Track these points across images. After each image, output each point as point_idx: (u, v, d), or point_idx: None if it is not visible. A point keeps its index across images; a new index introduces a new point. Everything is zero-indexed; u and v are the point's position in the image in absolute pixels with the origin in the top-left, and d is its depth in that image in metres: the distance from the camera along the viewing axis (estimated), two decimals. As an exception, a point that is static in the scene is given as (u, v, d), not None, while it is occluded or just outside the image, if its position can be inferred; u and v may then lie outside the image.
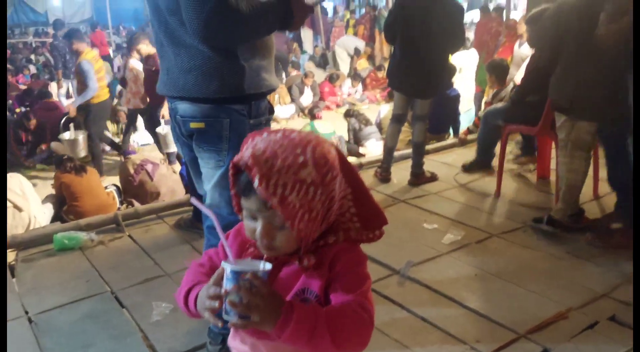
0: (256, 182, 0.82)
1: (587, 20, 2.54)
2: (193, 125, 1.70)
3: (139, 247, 2.91)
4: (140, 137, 7.17)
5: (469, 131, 4.65)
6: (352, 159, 4.66)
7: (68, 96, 8.66)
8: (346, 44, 11.59)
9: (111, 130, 7.26)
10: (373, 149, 5.90)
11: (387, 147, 3.85)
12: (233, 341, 1.01)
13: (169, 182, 4.94)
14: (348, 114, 6.65)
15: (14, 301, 2.37)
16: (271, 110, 1.85)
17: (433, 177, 3.80)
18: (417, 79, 3.50)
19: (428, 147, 4.60)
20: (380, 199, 3.47)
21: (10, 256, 2.84)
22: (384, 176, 3.82)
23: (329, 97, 9.13)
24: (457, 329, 2.06)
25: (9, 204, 4.07)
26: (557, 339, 1.99)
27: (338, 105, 9.07)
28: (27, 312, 2.28)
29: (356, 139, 6.32)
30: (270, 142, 0.86)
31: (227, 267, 0.83)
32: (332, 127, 6.21)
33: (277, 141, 0.86)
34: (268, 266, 0.85)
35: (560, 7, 2.71)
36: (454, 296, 2.29)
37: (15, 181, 4.36)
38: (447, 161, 4.21)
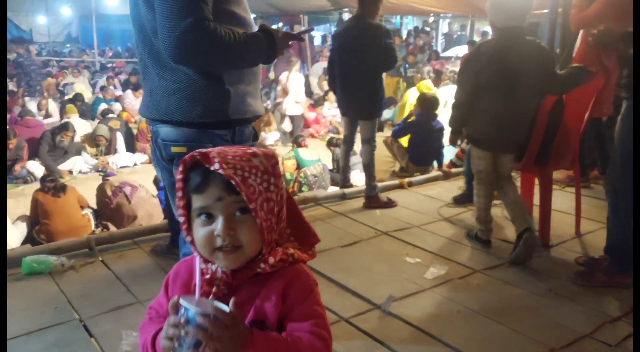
0: (217, 165, 0.84)
1: (500, 61, 2.82)
2: (174, 149, 1.65)
3: (111, 273, 2.80)
4: (120, 159, 7.08)
5: (452, 164, 4.66)
6: (335, 189, 4.63)
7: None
8: (317, 71, 11.66)
9: (90, 152, 7.15)
10: (357, 179, 5.88)
11: (340, 166, 4.60)
12: None
13: (147, 205, 4.84)
14: (332, 143, 6.63)
15: (-26, 327, 2.25)
16: (255, 137, 1.81)
17: (389, 204, 3.89)
18: (354, 102, 3.87)
19: (412, 179, 4.60)
20: (363, 231, 3.43)
21: (-26, 278, 2.71)
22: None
23: (313, 124, 9.13)
24: (438, 369, 2.00)
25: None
26: (540, 381, 1.94)
27: (320, 133, 9.01)
28: (-12, 340, 2.16)
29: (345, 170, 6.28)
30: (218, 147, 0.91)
31: (189, 307, 0.81)
32: (317, 155, 6.18)
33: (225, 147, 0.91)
34: (224, 307, 0.84)
35: (478, 49, 3.02)
36: (436, 333, 2.23)
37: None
38: (431, 194, 4.20)
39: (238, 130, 1.70)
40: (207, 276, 0.90)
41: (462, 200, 3.90)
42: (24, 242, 4.29)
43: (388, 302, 2.46)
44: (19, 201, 4.86)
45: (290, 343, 0.87)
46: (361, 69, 3.73)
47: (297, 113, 8.45)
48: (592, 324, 2.31)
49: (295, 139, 6.54)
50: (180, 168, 0.89)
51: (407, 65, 11.21)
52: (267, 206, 0.86)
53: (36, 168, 6.33)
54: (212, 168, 0.84)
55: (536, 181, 3.37)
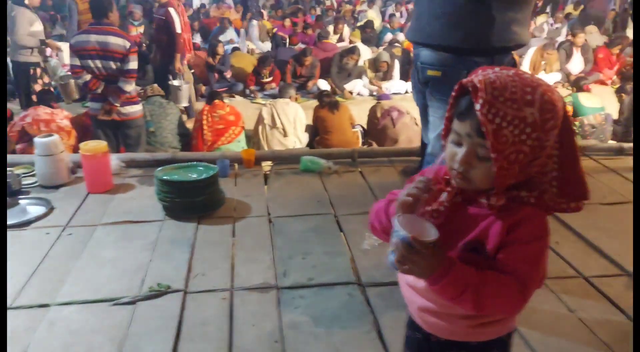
0: (478, 105, 0.84)
1: None
2: (430, 72, 1.74)
3: (366, 183, 3.16)
4: (393, 85, 7.47)
5: None
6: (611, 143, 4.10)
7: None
8: None
9: (370, 76, 7.68)
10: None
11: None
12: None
13: (409, 131, 5.12)
14: (622, 91, 5.72)
15: (262, 202, 2.87)
16: (514, 67, 1.77)
17: None
18: None
19: None
20: (627, 189, 3.02)
21: (266, 167, 3.40)
22: None
23: (604, 68, 7.75)
24: (683, 353, 1.76)
25: (280, 127, 4.91)
26: None
27: (612, 79, 7.67)
28: (269, 214, 2.74)
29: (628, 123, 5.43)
30: (502, 75, 0.87)
31: (398, 230, 0.87)
32: (600, 102, 5.44)
33: (509, 76, 0.86)
34: (434, 234, 0.87)
35: None
36: (694, 318, 1.93)
37: (291, 110, 5.18)
38: None
39: (497, 59, 1.69)
40: (447, 178, 0.97)
41: None
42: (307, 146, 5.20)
43: (642, 271, 2.19)
44: (308, 113, 5.66)
45: (481, 281, 0.88)
46: None
47: None
48: None
49: (576, 82, 5.85)
50: (456, 87, 0.91)
51: None
52: (514, 157, 0.85)
53: (324, 86, 7.19)
54: (475, 106, 0.85)
55: None
